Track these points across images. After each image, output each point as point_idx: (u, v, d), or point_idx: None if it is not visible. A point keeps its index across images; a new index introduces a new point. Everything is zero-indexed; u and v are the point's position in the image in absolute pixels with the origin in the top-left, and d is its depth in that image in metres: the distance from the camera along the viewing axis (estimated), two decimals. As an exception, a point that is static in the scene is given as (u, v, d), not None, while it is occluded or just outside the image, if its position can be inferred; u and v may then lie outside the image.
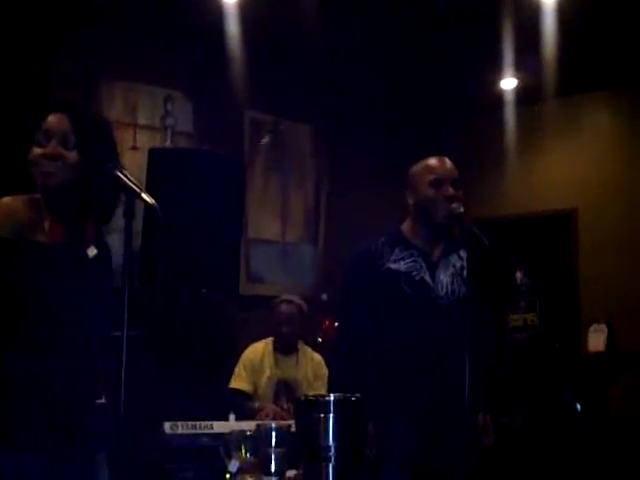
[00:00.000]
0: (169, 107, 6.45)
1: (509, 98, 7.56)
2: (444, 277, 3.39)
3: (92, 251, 2.37)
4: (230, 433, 2.75)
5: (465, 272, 3.38)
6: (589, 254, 7.59)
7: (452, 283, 3.39)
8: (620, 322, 6.76)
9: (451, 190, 3.33)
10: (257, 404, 5.08)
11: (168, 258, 4.63)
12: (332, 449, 2.48)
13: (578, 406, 6.21)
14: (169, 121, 6.46)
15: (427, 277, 3.37)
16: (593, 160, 7.69)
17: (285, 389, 5.23)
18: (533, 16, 5.86)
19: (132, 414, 2.10)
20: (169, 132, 6.45)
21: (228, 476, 2.59)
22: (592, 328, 6.83)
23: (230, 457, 2.61)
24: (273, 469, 2.56)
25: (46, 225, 2.37)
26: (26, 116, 2.44)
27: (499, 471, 5.79)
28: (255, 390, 5.21)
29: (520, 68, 6.97)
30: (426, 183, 3.37)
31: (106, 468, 2.46)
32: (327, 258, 7.44)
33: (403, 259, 3.38)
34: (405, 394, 3.29)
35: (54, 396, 2.32)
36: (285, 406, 5.04)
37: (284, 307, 5.37)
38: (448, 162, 3.44)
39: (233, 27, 5.93)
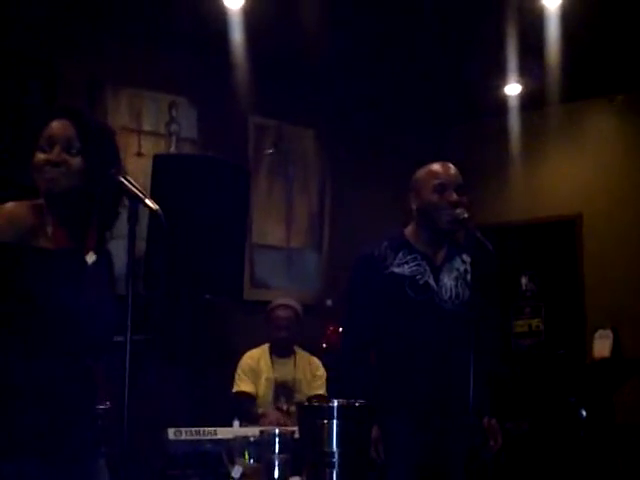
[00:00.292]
0: (174, 113, 6.47)
1: (513, 104, 7.55)
2: (448, 281, 3.39)
3: (91, 257, 2.36)
4: (234, 439, 2.75)
5: (469, 276, 3.38)
6: (594, 260, 7.58)
7: (456, 287, 3.39)
8: (625, 328, 6.74)
9: (455, 196, 3.33)
10: (260, 410, 5.09)
11: (172, 263, 4.63)
12: (336, 455, 2.48)
13: (583, 412, 6.19)
14: (174, 127, 6.47)
15: (431, 281, 3.37)
16: (598, 165, 7.68)
17: (284, 390, 5.25)
18: (537, 22, 5.86)
19: (136, 419, 2.10)
20: (174, 138, 6.46)
21: (231, 482, 2.59)
22: (597, 334, 6.80)
23: (233, 463, 2.62)
24: (276, 475, 2.56)
25: (49, 230, 2.37)
26: (31, 122, 2.44)
27: (504, 477, 5.77)
28: (256, 392, 5.24)
29: (524, 74, 6.96)
30: (430, 188, 3.37)
31: (107, 473, 2.45)
32: (331, 263, 7.44)
33: (407, 263, 3.38)
34: (409, 397, 3.29)
35: (53, 401, 2.31)
36: (285, 407, 5.06)
37: (281, 312, 5.38)
38: (452, 168, 3.44)
39: (237, 33, 5.94)
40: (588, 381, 6.54)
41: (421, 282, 3.35)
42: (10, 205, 2.38)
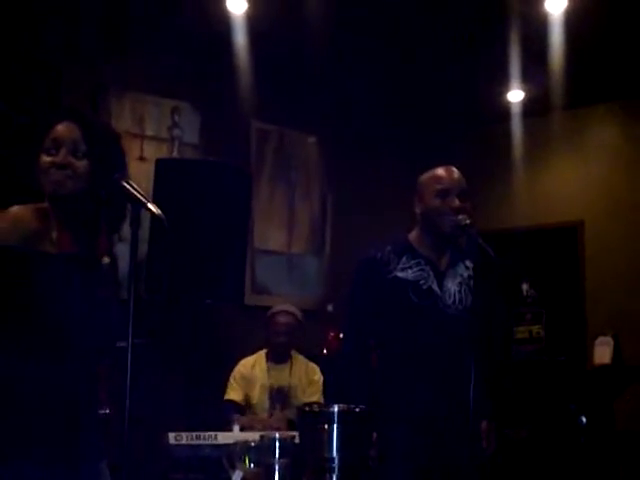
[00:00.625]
0: (176, 118, 6.47)
1: (516, 110, 7.56)
2: (452, 286, 3.39)
3: (106, 260, 2.37)
4: (234, 444, 2.75)
5: (472, 282, 3.38)
6: (595, 266, 7.58)
7: (459, 292, 3.39)
8: (626, 335, 6.74)
9: (457, 202, 3.33)
10: (236, 416, 5.05)
11: (173, 268, 4.64)
12: (336, 460, 2.48)
13: (583, 419, 6.19)
14: (176, 132, 6.48)
15: (435, 286, 3.37)
16: (600, 172, 7.68)
17: (279, 396, 5.23)
18: (540, 28, 5.87)
19: (136, 424, 2.10)
20: (176, 143, 6.47)
21: (232, 487, 2.59)
22: (598, 341, 6.80)
23: (234, 468, 2.61)
24: (277, 480, 2.56)
25: (54, 235, 2.37)
26: (35, 126, 2.44)
27: (504, 484, 5.77)
28: (247, 400, 5.22)
29: (527, 80, 6.97)
30: (432, 193, 3.37)
31: (109, 477, 2.46)
32: (332, 269, 7.44)
33: (410, 268, 3.37)
34: (411, 402, 3.29)
35: (55, 405, 2.32)
36: (280, 414, 5.04)
37: (281, 317, 5.36)
38: (456, 173, 3.44)
39: (240, 38, 5.96)
40: (588, 388, 6.54)
41: (425, 287, 3.35)
42: (15, 209, 2.38)
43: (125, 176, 2.29)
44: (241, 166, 6.18)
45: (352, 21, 5.97)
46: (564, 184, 7.88)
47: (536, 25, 5.86)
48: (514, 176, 8.00)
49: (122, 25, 5.90)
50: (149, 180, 5.05)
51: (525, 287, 8.08)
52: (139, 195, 2.22)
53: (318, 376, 5.38)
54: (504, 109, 7.55)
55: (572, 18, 5.76)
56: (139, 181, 2.35)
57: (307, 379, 5.33)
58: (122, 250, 2.47)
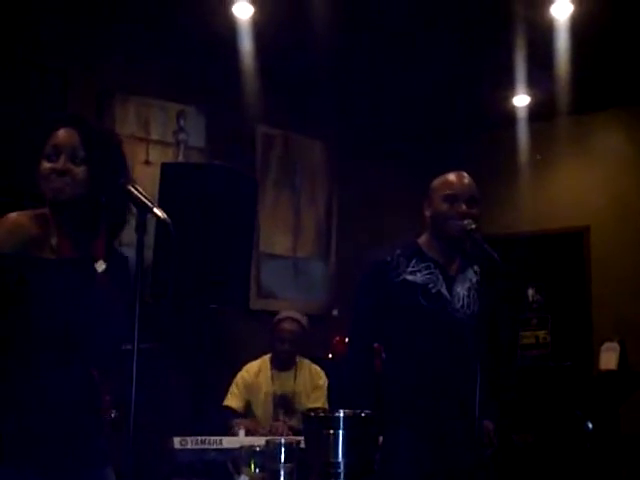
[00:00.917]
0: (182, 122, 6.48)
1: (521, 115, 7.56)
2: (461, 291, 3.38)
3: (101, 266, 2.36)
4: (239, 448, 2.74)
5: (481, 287, 3.38)
6: (601, 272, 7.57)
7: (468, 297, 3.38)
8: (632, 340, 6.73)
9: (464, 207, 3.33)
10: (236, 420, 5.04)
11: (179, 272, 4.64)
12: (341, 465, 2.47)
13: (589, 424, 6.18)
14: (181, 136, 6.48)
15: (444, 290, 3.36)
16: (605, 177, 7.68)
17: (283, 403, 5.20)
18: (546, 34, 5.87)
19: (142, 428, 2.10)
20: (181, 147, 6.48)
21: (237, 491, 2.58)
22: (604, 346, 6.79)
23: (239, 472, 2.61)
24: (282, 485, 2.55)
25: (53, 241, 2.37)
26: (41, 131, 2.44)
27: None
28: (247, 408, 5.18)
29: (533, 85, 6.97)
30: (441, 197, 3.38)
31: None
32: (338, 273, 7.45)
33: (420, 271, 3.37)
34: (416, 406, 3.28)
35: (59, 412, 2.32)
36: (287, 422, 5.02)
37: (287, 325, 5.30)
38: (467, 179, 3.44)
39: (245, 43, 5.97)
40: (594, 393, 6.53)
41: (433, 291, 3.34)
42: (13, 215, 2.39)
43: (130, 181, 2.29)
44: (246, 170, 6.18)
45: (357, 26, 5.98)
46: (570, 189, 7.87)
47: (542, 30, 5.86)
48: (520, 181, 8.00)
49: (127, 29, 5.91)
50: (154, 184, 5.05)
51: (531, 292, 8.07)
52: (145, 199, 2.22)
53: (323, 381, 5.34)
54: (510, 114, 7.55)
55: (578, 23, 5.76)
56: (144, 185, 2.35)
57: (311, 384, 5.30)
58: (129, 255, 2.47)
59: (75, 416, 2.35)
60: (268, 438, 3.06)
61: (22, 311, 2.28)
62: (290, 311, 5.50)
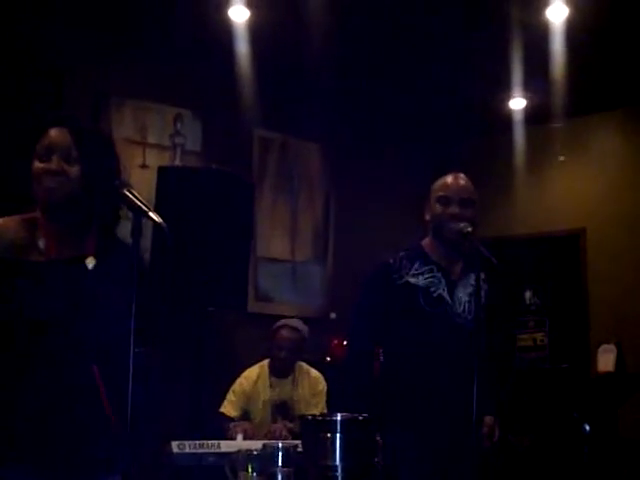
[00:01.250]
0: (178, 126, 6.48)
1: (518, 118, 7.57)
2: (463, 295, 3.39)
3: (91, 262, 2.36)
4: (237, 452, 2.74)
5: (482, 292, 3.38)
6: (598, 274, 7.58)
7: (469, 302, 3.39)
8: (629, 343, 6.73)
9: (456, 209, 3.35)
10: (232, 423, 5.02)
11: (176, 276, 4.63)
12: (339, 469, 2.47)
13: (587, 427, 6.17)
14: (178, 139, 6.49)
15: (445, 294, 3.37)
16: (602, 180, 7.69)
17: (282, 410, 5.18)
18: (542, 37, 5.88)
19: (139, 432, 2.10)
20: (178, 150, 6.48)
21: (234, 495, 2.58)
22: (601, 349, 6.79)
23: (237, 476, 2.60)
24: (280, 489, 2.55)
25: (41, 243, 2.37)
26: (37, 134, 2.44)
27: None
28: (245, 415, 5.16)
29: (529, 88, 6.98)
30: (435, 199, 3.42)
31: None
32: (336, 277, 7.44)
33: (422, 274, 3.38)
34: (417, 409, 3.28)
35: (54, 413, 2.31)
36: (284, 426, 5.00)
37: (285, 332, 5.28)
38: (462, 180, 3.46)
39: (242, 46, 5.97)
40: (592, 396, 6.52)
41: (435, 294, 3.35)
42: (3, 221, 2.39)
43: (125, 184, 2.29)
44: (244, 174, 6.18)
45: (354, 29, 5.99)
46: (566, 192, 7.88)
47: (537, 33, 5.86)
48: (516, 184, 8.00)
49: (124, 32, 5.91)
50: (151, 188, 5.05)
51: (528, 295, 8.07)
52: (141, 203, 2.22)
53: (322, 386, 5.31)
54: (506, 117, 7.56)
55: (573, 26, 5.76)
56: (141, 189, 2.35)
57: (310, 391, 5.26)
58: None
59: (77, 415, 2.34)
60: (266, 442, 3.06)
61: (13, 313, 2.28)
62: (291, 319, 5.48)
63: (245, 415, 5.16)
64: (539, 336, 7.94)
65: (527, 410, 6.58)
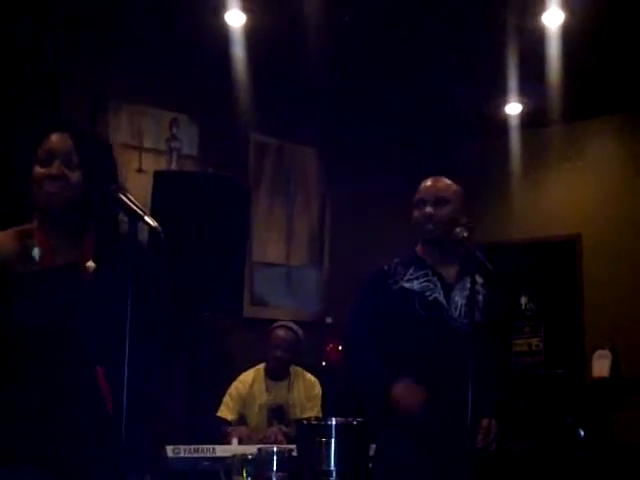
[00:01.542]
0: (175, 130, 6.48)
1: (514, 123, 7.58)
2: (459, 299, 3.38)
3: (90, 265, 2.37)
4: (232, 457, 2.74)
5: (480, 296, 3.38)
6: (593, 280, 7.58)
7: (466, 306, 3.38)
8: (624, 348, 6.74)
9: (430, 209, 3.37)
10: (230, 428, 5.03)
11: (171, 281, 4.63)
12: (334, 473, 2.47)
13: (582, 432, 6.18)
14: (175, 144, 6.49)
15: (441, 298, 3.37)
16: (597, 185, 7.70)
17: (278, 414, 5.19)
18: (538, 41, 5.89)
19: (139, 433, 2.10)
20: (174, 155, 6.48)
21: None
22: (596, 354, 6.80)
23: (231, 481, 2.61)
24: (274, 493, 2.55)
25: (35, 253, 2.37)
26: (34, 139, 2.44)
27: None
28: (241, 419, 5.16)
29: (525, 93, 6.99)
30: (414, 204, 3.44)
31: None
32: (331, 281, 7.44)
33: (417, 278, 3.39)
34: (413, 415, 3.28)
35: (57, 418, 2.31)
36: (280, 430, 5.00)
37: (281, 332, 5.30)
38: (438, 182, 3.47)
39: (238, 51, 5.97)
40: (587, 401, 6.53)
41: (430, 298, 3.35)
42: None
43: (121, 188, 2.29)
44: (240, 178, 6.19)
45: (350, 33, 5.99)
46: (562, 197, 7.89)
47: (533, 38, 5.88)
48: (512, 189, 8.01)
49: (121, 37, 5.91)
50: (147, 192, 5.05)
51: (524, 300, 8.08)
52: (136, 208, 2.22)
53: (317, 390, 5.33)
54: (502, 122, 7.57)
55: (569, 31, 5.78)
56: (137, 193, 2.35)
57: (306, 395, 5.28)
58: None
59: (78, 416, 2.34)
60: (260, 446, 3.06)
61: (10, 324, 2.28)
62: (286, 321, 5.50)
63: (242, 419, 5.16)
64: (534, 341, 7.95)
65: (522, 415, 6.58)
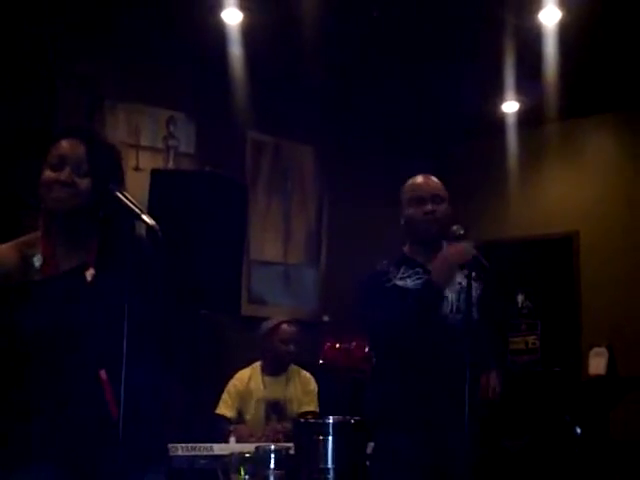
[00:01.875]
0: (171, 128, 6.48)
1: (511, 121, 7.58)
2: (450, 294, 3.38)
3: (90, 273, 2.37)
4: (229, 455, 2.74)
5: (473, 290, 3.37)
6: (590, 277, 7.59)
7: (457, 301, 3.39)
8: (621, 346, 6.74)
9: (429, 206, 3.36)
10: (232, 426, 5.04)
11: (169, 279, 4.63)
12: (331, 471, 2.48)
13: (578, 430, 6.18)
14: (171, 142, 6.49)
15: None
16: (595, 183, 7.70)
17: (275, 409, 5.21)
18: (535, 39, 5.89)
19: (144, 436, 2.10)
20: (171, 153, 6.48)
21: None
22: (593, 352, 6.80)
23: (229, 479, 2.61)
24: (272, 491, 2.55)
25: (37, 261, 2.37)
26: (31, 138, 2.44)
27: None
28: (240, 415, 5.18)
29: (522, 91, 6.99)
30: (407, 201, 3.42)
31: None
32: (328, 280, 7.44)
33: (409, 277, 3.38)
34: (410, 411, 3.28)
35: (67, 415, 2.32)
36: (279, 427, 5.01)
37: (287, 327, 5.34)
38: (431, 179, 3.47)
39: (235, 49, 5.97)
40: (583, 399, 6.53)
41: None
42: None
43: (118, 187, 2.29)
44: (237, 177, 6.18)
45: (347, 31, 5.99)
46: (559, 195, 7.89)
47: (530, 36, 5.88)
48: (509, 187, 8.01)
49: (117, 36, 5.90)
50: (144, 191, 5.04)
51: (520, 298, 8.08)
52: (133, 206, 2.22)
53: (313, 386, 5.36)
54: (499, 120, 7.57)
55: (566, 29, 5.78)
56: (134, 192, 2.35)
57: (302, 390, 5.31)
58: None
59: (83, 419, 2.34)
60: (258, 445, 3.06)
61: (18, 331, 2.29)
62: (284, 317, 5.53)
63: (241, 416, 5.18)
64: (531, 339, 7.95)
65: (519, 413, 6.59)
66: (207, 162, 6.17)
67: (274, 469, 2.57)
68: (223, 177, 5.37)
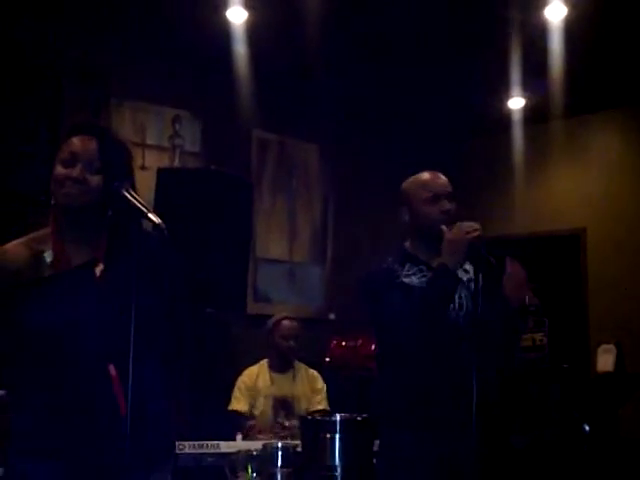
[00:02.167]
0: (177, 127, 6.48)
1: (517, 118, 7.57)
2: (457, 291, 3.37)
3: (99, 269, 2.37)
4: (236, 453, 2.74)
5: (472, 285, 3.36)
6: (598, 274, 7.58)
7: (460, 297, 3.38)
8: (629, 343, 6.73)
9: (447, 204, 3.33)
10: (251, 422, 5.07)
11: (175, 277, 4.63)
12: (338, 469, 2.47)
13: (587, 427, 6.17)
14: (177, 141, 6.49)
15: None
16: (601, 179, 7.69)
17: (283, 406, 5.25)
18: (540, 36, 5.88)
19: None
20: (177, 152, 6.48)
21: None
22: (601, 349, 6.79)
23: (236, 477, 2.61)
24: (279, 489, 2.55)
25: (48, 257, 2.37)
26: (38, 136, 2.44)
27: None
28: (252, 410, 5.23)
29: (527, 88, 6.97)
30: (422, 200, 3.36)
31: None
32: (334, 277, 7.44)
33: (414, 274, 3.37)
34: (416, 410, 3.27)
35: (72, 415, 2.32)
36: (287, 424, 5.03)
37: (287, 322, 5.43)
38: (442, 176, 3.44)
39: (241, 47, 5.97)
40: (592, 396, 6.52)
41: None
42: (5, 247, 2.40)
43: (126, 185, 2.30)
44: (242, 175, 6.18)
45: (352, 30, 5.98)
46: (566, 191, 7.88)
47: (536, 33, 5.86)
48: (516, 183, 8.00)
49: (123, 35, 5.91)
50: (150, 189, 5.05)
51: (527, 295, 8.05)
52: (139, 204, 2.22)
53: (321, 384, 5.41)
54: (505, 117, 7.56)
55: (572, 26, 5.76)
56: (140, 190, 2.35)
57: (310, 388, 5.36)
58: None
59: (91, 413, 2.34)
60: (265, 442, 3.06)
61: (28, 328, 2.29)
62: (285, 313, 5.58)
63: (252, 409, 5.24)
64: (538, 336, 7.92)
65: (527, 410, 6.58)
66: (212, 160, 6.18)
67: (281, 466, 2.57)
68: (228, 175, 5.37)
